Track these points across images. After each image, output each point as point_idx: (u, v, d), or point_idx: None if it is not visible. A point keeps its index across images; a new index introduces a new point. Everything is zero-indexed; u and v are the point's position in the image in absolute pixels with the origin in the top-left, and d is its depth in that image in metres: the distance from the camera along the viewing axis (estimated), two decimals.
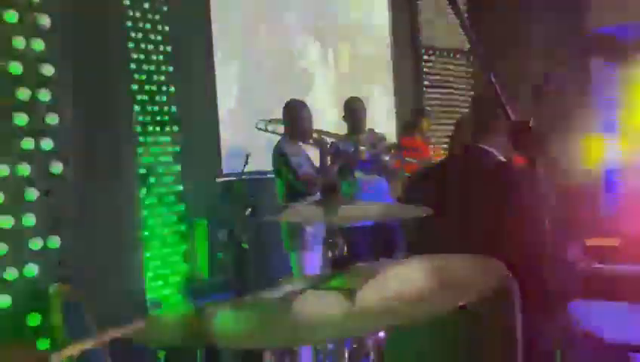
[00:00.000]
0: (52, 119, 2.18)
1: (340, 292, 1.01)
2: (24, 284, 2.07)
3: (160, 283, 3.88)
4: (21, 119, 2.10)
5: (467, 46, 6.63)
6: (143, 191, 3.45)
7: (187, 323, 1.33)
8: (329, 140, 3.51)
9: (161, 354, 1.86)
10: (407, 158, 3.97)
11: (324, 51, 5.58)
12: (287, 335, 0.95)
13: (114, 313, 2.28)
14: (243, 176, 3.94)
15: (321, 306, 0.98)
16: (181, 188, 4.32)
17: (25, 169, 2.10)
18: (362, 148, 3.59)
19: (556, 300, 1.77)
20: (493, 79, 1.43)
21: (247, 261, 3.21)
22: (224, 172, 4.43)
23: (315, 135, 3.51)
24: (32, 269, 2.09)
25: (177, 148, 4.37)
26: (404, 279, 1.13)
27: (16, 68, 2.09)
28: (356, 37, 5.88)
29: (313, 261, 3.41)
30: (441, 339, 1.29)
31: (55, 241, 2.17)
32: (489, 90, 1.48)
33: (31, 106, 2.13)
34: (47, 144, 2.17)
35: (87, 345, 1.32)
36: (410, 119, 5.05)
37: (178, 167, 4.32)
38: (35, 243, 2.11)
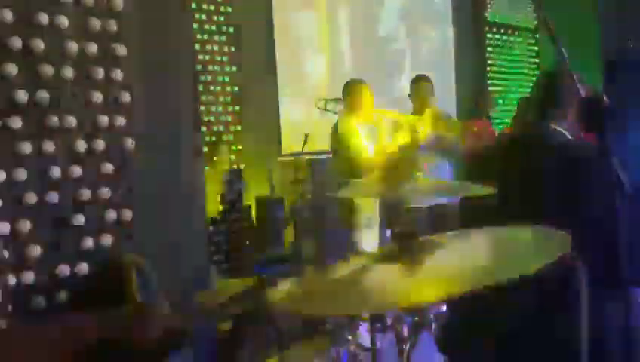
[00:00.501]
0: (125, 97, 2.29)
1: (403, 264, 1.02)
2: (100, 253, 2.20)
3: (222, 257, 4.02)
4: (97, 97, 2.22)
5: (534, 22, 6.38)
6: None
7: (251, 293, 1.38)
8: (389, 120, 3.50)
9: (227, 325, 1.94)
10: (470, 139, 3.91)
11: (389, 29, 5.52)
12: (350, 303, 0.98)
13: (180, 286, 2.39)
14: (302, 155, 4.00)
15: (384, 277, 1.00)
16: (242, 166, 4.42)
17: (100, 144, 2.22)
18: (423, 128, 3.57)
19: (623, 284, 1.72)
20: (563, 54, 1.39)
21: (306, 236, 3.28)
22: (284, 151, 4.51)
23: (374, 114, 3.51)
24: (107, 239, 2.22)
25: (239, 127, 4.47)
26: (466, 251, 1.14)
27: (92, 47, 2.20)
28: (417, 14, 5.78)
29: (370, 239, 3.44)
30: (503, 311, 1.29)
31: (128, 214, 2.28)
32: (558, 66, 1.44)
33: (105, 84, 2.24)
34: (120, 120, 2.28)
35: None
36: (474, 99, 4.95)
37: (239, 146, 4.43)
38: (110, 215, 2.23)
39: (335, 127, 3.57)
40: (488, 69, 6.08)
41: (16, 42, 2.02)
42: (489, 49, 6.17)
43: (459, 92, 5.79)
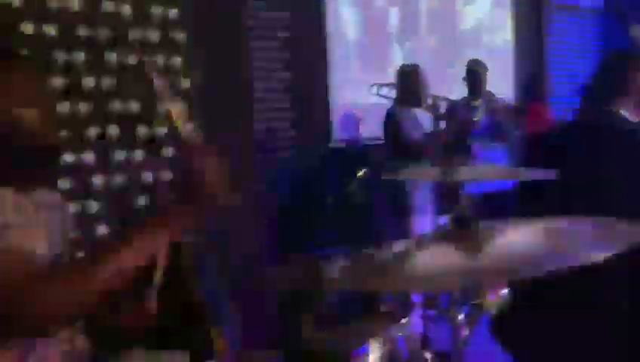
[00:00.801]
0: (185, 82, 2.36)
1: (461, 248, 1.03)
2: None
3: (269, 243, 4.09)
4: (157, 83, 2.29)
5: (599, 2, 6.07)
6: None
7: (307, 271, 1.41)
8: (443, 105, 3.46)
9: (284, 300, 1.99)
10: (528, 124, 3.81)
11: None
12: (405, 281, 1.00)
13: (237, 270, 2.46)
14: (354, 143, 4.01)
15: (441, 261, 1.01)
16: (295, 151, 4.47)
17: (163, 129, 2.30)
18: (479, 113, 3.51)
19: None
20: (633, 34, 1.34)
21: (359, 220, 3.30)
22: (335, 137, 4.53)
23: (428, 100, 3.48)
24: None
25: (292, 113, 4.51)
26: (525, 238, 1.13)
27: (154, 34, 2.27)
28: None
29: (423, 225, 3.42)
30: (562, 301, 1.27)
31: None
32: (627, 48, 1.39)
33: (166, 71, 2.32)
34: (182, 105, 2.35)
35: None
36: (533, 83, 4.80)
37: (292, 132, 4.47)
38: (170, 198, 2.32)
39: (389, 113, 3.56)
40: (549, 52, 5.87)
41: (84, 32, 2.11)
42: (550, 31, 5.96)
43: (517, 76, 5.63)
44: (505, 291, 1.18)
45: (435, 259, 1.01)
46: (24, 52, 1.47)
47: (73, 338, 1.43)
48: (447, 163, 1.51)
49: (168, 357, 1.50)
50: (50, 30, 2.03)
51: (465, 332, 1.33)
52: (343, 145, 4.36)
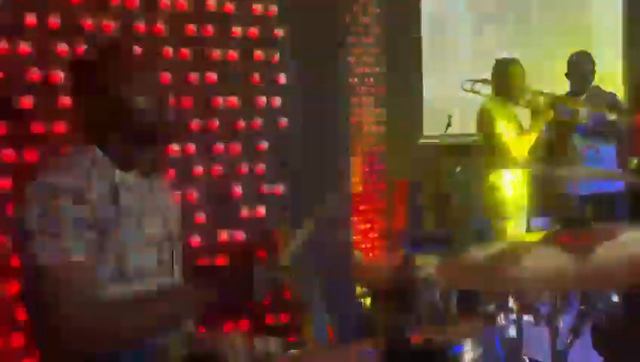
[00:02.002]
0: (280, 78, 2.42)
1: (571, 250, 0.98)
2: (255, 223, 2.37)
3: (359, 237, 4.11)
4: (256, 78, 2.37)
5: None
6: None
7: (396, 269, 1.40)
8: (543, 101, 3.29)
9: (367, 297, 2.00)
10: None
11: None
12: (509, 283, 0.97)
13: (324, 262, 2.50)
14: (445, 139, 3.93)
15: (550, 262, 0.97)
16: (384, 148, 4.45)
17: (259, 122, 2.38)
18: (583, 109, 3.29)
19: None
20: None
21: (453, 218, 3.24)
22: (426, 133, 4.46)
23: (527, 95, 3.31)
24: (262, 210, 2.38)
25: (382, 110, 4.49)
26: (637, 243, 1.06)
27: (254, 30, 2.35)
28: None
29: (517, 228, 3.29)
30: None
31: (281, 188, 2.43)
32: None
33: (262, 67, 2.39)
34: (276, 101, 2.42)
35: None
36: None
37: (382, 128, 4.45)
38: (264, 188, 2.39)
39: (483, 110, 3.44)
40: None
41: (191, 29, 2.22)
42: None
43: (628, 70, 5.26)
44: (615, 298, 1.11)
45: (542, 261, 0.97)
46: (139, 48, 1.59)
47: None
48: (549, 163, 1.44)
49: (262, 342, 1.56)
50: (161, 29, 2.15)
51: (567, 341, 1.27)
52: (435, 141, 4.28)
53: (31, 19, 1.92)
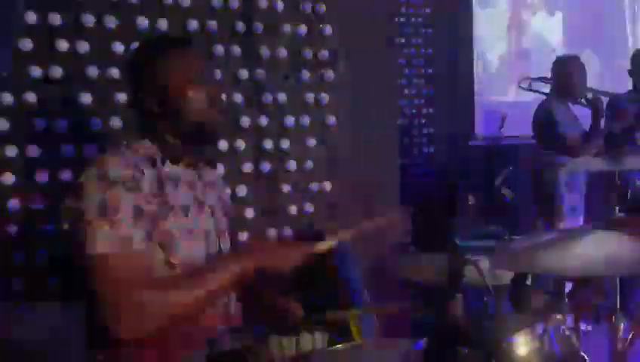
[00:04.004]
0: (329, 76, 2.42)
1: (632, 234, 0.93)
2: (303, 220, 2.37)
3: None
4: (305, 75, 2.38)
5: None
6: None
7: (452, 262, 1.37)
8: (605, 100, 3.17)
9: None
10: None
11: None
12: (564, 266, 0.93)
13: (372, 259, 2.47)
14: (499, 139, 3.83)
15: (607, 246, 0.92)
16: (433, 149, 4.40)
17: (307, 120, 2.39)
18: None
19: None
20: None
21: (504, 212, 3.15)
22: (479, 134, 4.37)
23: (588, 94, 3.20)
24: (309, 208, 2.38)
25: (431, 110, 4.44)
26: None
27: (303, 28, 2.36)
28: None
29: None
30: None
31: (327, 185, 2.43)
32: None
33: (312, 65, 2.40)
34: (324, 98, 2.42)
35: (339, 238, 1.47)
36: None
37: (431, 129, 4.40)
38: (313, 186, 2.40)
39: (542, 109, 3.33)
40: None
41: (240, 26, 2.25)
42: None
43: None
44: None
45: (600, 246, 0.93)
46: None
47: (229, 303, 1.53)
48: (615, 153, 1.38)
49: (308, 337, 1.55)
50: (214, 26, 2.19)
51: (627, 337, 1.21)
52: (486, 142, 4.19)
53: (89, 19, 1.99)
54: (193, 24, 2.16)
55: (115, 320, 1.28)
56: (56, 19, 1.93)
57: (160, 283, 1.36)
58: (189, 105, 1.47)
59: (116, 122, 2.00)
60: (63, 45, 1.95)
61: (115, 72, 2.01)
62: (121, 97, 2.00)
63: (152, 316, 1.29)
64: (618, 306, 1.35)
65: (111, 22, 2.01)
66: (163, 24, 2.09)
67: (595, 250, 0.94)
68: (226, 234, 1.62)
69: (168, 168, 1.47)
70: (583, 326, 1.80)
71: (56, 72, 1.93)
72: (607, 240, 0.94)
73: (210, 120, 1.49)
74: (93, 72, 1.98)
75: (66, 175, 1.93)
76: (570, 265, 0.95)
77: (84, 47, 1.97)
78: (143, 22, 2.06)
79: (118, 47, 2.02)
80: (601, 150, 3.07)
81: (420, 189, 4.08)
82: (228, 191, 1.97)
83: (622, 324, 1.33)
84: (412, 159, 4.18)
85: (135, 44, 2.03)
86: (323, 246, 1.48)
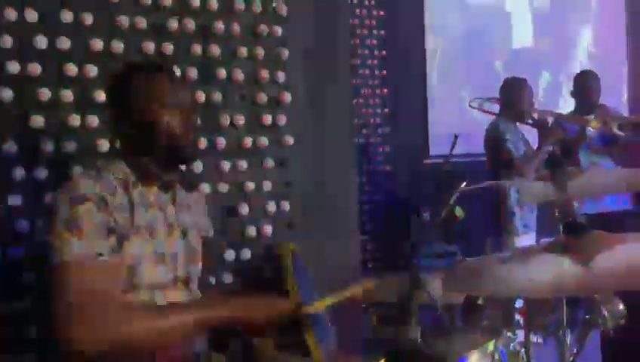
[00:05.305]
0: (286, 97, 2.45)
1: (573, 257, 0.98)
2: (260, 241, 2.38)
3: (367, 256, 4.10)
4: (263, 97, 2.40)
5: None
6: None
7: (404, 283, 1.40)
8: (550, 120, 3.32)
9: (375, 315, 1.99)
10: None
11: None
12: (512, 289, 0.97)
13: (330, 277, 2.49)
14: (451, 158, 3.93)
15: (553, 269, 0.97)
16: (389, 168, 4.47)
17: (265, 140, 2.40)
18: (591, 128, 3.32)
19: None
20: None
21: (457, 232, 3.23)
22: (432, 153, 4.48)
23: (535, 115, 3.35)
24: (268, 228, 2.39)
25: (387, 129, 4.52)
26: (637, 250, 1.06)
27: (260, 51, 2.39)
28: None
29: (524, 244, 3.28)
30: None
31: (286, 205, 2.44)
32: None
33: (269, 86, 2.42)
34: (281, 119, 2.44)
35: (333, 300, 1.48)
36: None
37: (388, 148, 4.48)
38: (271, 206, 2.40)
39: (491, 128, 3.46)
40: None
41: (197, 49, 2.26)
42: None
43: (631, 87, 5.28)
44: (620, 307, 1.11)
45: (546, 268, 0.97)
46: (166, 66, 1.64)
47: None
48: (556, 177, 1.45)
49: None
50: (170, 48, 2.20)
51: (573, 351, 1.26)
52: (440, 160, 4.30)
53: (41, 41, 1.96)
54: (149, 46, 2.15)
55: (68, 330, 1.26)
56: (7, 42, 1.90)
57: (122, 301, 1.35)
58: (164, 129, 1.49)
59: (91, 144, 1.97)
60: (13, 67, 1.91)
61: (67, 94, 1.98)
62: (93, 120, 1.97)
63: (106, 331, 1.27)
64: (565, 322, 1.41)
65: (64, 43, 1.99)
66: (118, 46, 2.08)
67: (540, 271, 0.99)
68: (199, 257, 1.62)
69: (140, 190, 1.48)
70: (534, 339, 1.86)
71: (7, 94, 1.89)
72: (552, 261, 0.99)
73: (185, 143, 1.52)
74: (44, 92, 1.95)
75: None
76: (517, 287, 1.00)
77: (35, 68, 1.94)
78: (97, 43, 2.04)
79: (72, 69, 1.99)
80: (542, 169, 3.20)
81: (378, 208, 4.15)
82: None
83: (568, 338, 1.39)
84: (369, 178, 4.25)
85: (90, 66, 2.02)
86: (308, 310, 1.48)
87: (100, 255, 1.34)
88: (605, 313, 1.12)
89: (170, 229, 1.52)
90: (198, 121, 2.23)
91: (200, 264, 1.62)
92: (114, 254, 1.37)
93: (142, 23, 2.13)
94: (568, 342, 1.37)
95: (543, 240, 3.41)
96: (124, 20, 2.09)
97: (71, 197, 1.37)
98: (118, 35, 2.09)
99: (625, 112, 4.92)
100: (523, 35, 5.16)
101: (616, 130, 3.39)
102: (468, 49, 4.80)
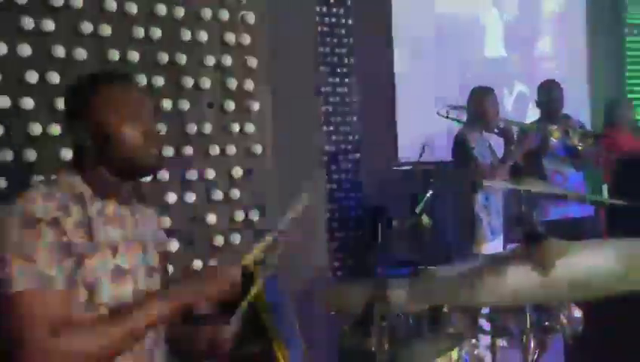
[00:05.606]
0: (254, 105, 2.44)
1: (532, 265, 1.00)
2: (230, 251, 2.36)
3: (336, 264, 4.11)
4: (230, 106, 2.39)
5: None
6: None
7: (368, 293, 1.41)
8: (515, 129, 3.39)
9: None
10: (607, 152, 3.67)
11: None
12: (473, 296, 0.98)
13: (298, 286, 2.49)
14: (420, 166, 3.97)
15: (512, 276, 0.99)
16: (358, 174, 4.49)
17: (232, 149, 2.39)
18: (553, 137, 3.41)
19: None
20: None
21: (424, 239, 3.25)
22: (401, 160, 4.52)
23: (500, 123, 3.42)
24: (236, 238, 2.37)
25: (357, 137, 4.55)
26: (598, 257, 1.09)
27: (228, 59, 2.38)
28: (545, 17, 5.53)
29: (492, 251, 3.33)
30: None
31: (255, 214, 2.43)
32: None
33: (238, 95, 2.41)
34: (249, 127, 2.44)
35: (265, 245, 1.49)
36: (609, 107, 4.59)
37: (357, 155, 4.50)
38: (239, 215, 2.39)
39: (458, 136, 3.52)
40: (628, 74, 5.64)
41: (164, 57, 2.24)
42: (629, 53, 5.72)
43: (593, 99, 5.44)
44: (578, 313, 1.14)
45: (507, 276, 0.99)
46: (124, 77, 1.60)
47: (153, 350, 1.49)
48: (519, 182, 1.48)
49: None
50: (135, 56, 2.17)
51: (534, 356, 1.29)
52: (409, 167, 4.34)
53: (1, 47, 1.92)
54: (114, 54, 2.12)
55: (26, 360, 1.22)
56: None
57: (78, 324, 1.31)
58: (124, 141, 1.44)
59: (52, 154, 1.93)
60: None
61: (28, 102, 1.94)
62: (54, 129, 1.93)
63: (65, 358, 1.24)
64: (528, 326, 1.44)
65: (24, 50, 1.94)
66: (81, 54, 2.04)
67: (503, 280, 1.00)
68: (158, 272, 1.59)
69: (98, 205, 1.43)
70: (501, 343, 1.89)
71: None
72: (514, 270, 1.01)
73: (147, 156, 1.47)
74: (4, 102, 1.91)
75: None
76: (479, 298, 1.01)
77: None
78: (59, 51, 2.00)
79: (33, 77, 1.95)
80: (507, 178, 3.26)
81: (348, 216, 4.16)
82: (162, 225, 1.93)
83: (531, 343, 1.42)
84: (339, 184, 4.26)
85: (52, 74, 1.98)
86: (250, 258, 1.48)
87: (54, 282, 1.28)
88: (563, 319, 1.15)
89: (130, 244, 1.48)
90: (163, 131, 2.22)
91: (159, 278, 1.59)
92: (69, 278, 1.32)
93: (106, 30, 2.10)
94: (532, 346, 1.39)
95: (509, 245, 3.48)
96: (87, 27, 2.06)
97: (22, 220, 1.30)
98: (80, 42, 2.05)
99: (587, 124, 5.07)
100: (494, 46, 5.26)
101: (575, 141, 3.49)
102: (438, 58, 4.88)
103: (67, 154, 1.92)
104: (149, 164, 1.49)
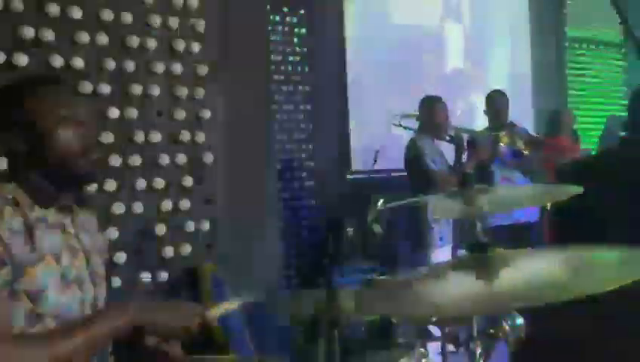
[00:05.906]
0: (205, 114, 2.41)
1: (476, 274, 1.02)
2: (179, 262, 2.31)
3: (290, 273, 4.09)
4: (180, 114, 2.35)
5: (619, 37, 6.11)
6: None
7: (321, 301, 1.41)
8: (465, 136, 3.47)
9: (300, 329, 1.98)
10: (550, 157, 3.81)
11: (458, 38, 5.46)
12: (420, 306, 0.99)
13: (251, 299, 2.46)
14: (373, 173, 4.02)
15: (458, 288, 1.00)
16: (312, 183, 4.49)
17: (183, 158, 2.35)
18: (501, 144, 3.51)
19: None
20: None
21: (377, 248, 3.28)
22: (354, 168, 4.54)
23: (451, 131, 3.49)
24: (187, 248, 2.33)
25: (310, 146, 4.55)
26: (541, 265, 1.11)
27: (178, 68, 2.34)
28: (493, 30, 5.69)
29: (442, 257, 3.39)
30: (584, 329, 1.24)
31: (206, 224, 2.39)
32: None
33: (188, 103, 2.37)
34: (200, 136, 2.40)
35: (233, 306, 1.45)
36: (552, 116, 4.77)
37: (311, 163, 4.49)
38: (189, 225, 2.34)
39: (410, 144, 3.56)
40: (569, 85, 5.88)
41: (111, 64, 2.18)
42: (570, 65, 5.97)
43: (537, 108, 5.64)
44: (520, 320, 1.17)
45: (452, 286, 1.00)
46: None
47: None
48: (468, 192, 1.51)
49: None
50: (80, 63, 2.10)
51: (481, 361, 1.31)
52: (363, 175, 4.37)
53: None
54: (58, 60, 2.05)
55: None
56: None
57: (19, 338, 1.25)
58: (58, 144, 1.39)
59: None
60: None
61: None
62: None
63: None
64: (475, 333, 1.47)
65: None
66: (23, 59, 1.97)
67: (448, 290, 1.01)
68: (103, 279, 1.54)
69: (37, 213, 1.37)
70: (450, 348, 1.92)
71: None
72: (459, 280, 1.02)
73: (83, 161, 1.41)
74: None
75: None
76: (423, 308, 1.02)
77: None
78: (0, 57, 1.92)
79: None
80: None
81: (302, 224, 4.15)
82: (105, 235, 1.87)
83: (478, 349, 1.44)
84: (292, 193, 4.25)
85: None
86: (215, 312, 1.44)
87: None
88: (506, 326, 1.18)
89: (74, 252, 1.43)
90: (110, 140, 2.16)
91: (104, 288, 1.54)
92: (5, 288, 1.26)
93: (49, 35, 2.03)
94: (478, 352, 1.41)
95: (458, 251, 3.55)
96: (28, 32, 1.98)
97: None
98: (21, 47, 1.98)
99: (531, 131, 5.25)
100: (448, 57, 5.38)
101: (522, 146, 3.62)
102: (391, 68, 4.94)
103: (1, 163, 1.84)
104: (86, 170, 1.43)
